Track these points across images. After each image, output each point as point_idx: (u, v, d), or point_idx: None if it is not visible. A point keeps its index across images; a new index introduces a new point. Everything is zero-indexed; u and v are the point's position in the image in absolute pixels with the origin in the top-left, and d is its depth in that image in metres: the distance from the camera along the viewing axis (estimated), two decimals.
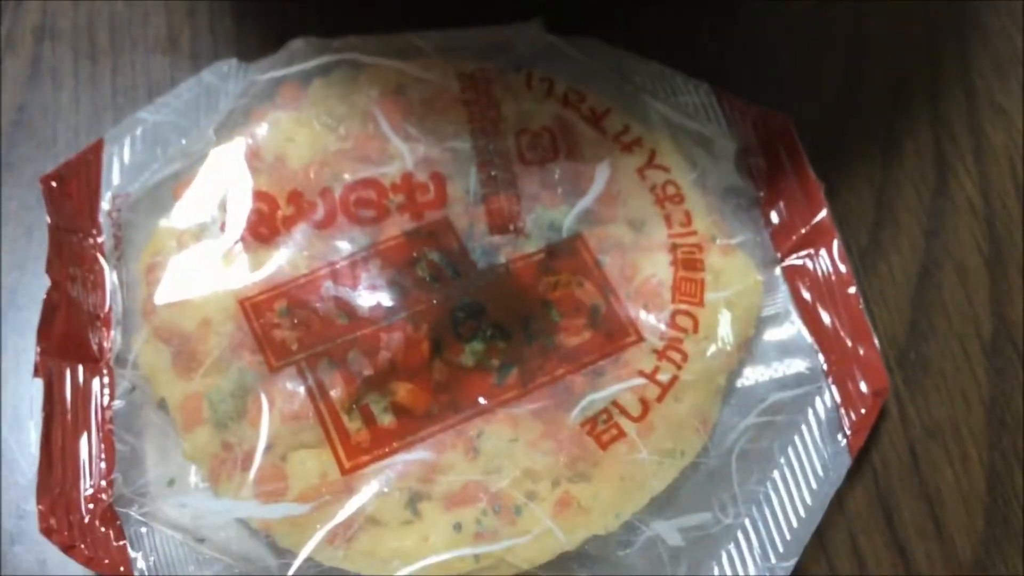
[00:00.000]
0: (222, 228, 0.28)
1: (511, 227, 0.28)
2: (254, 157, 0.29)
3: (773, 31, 0.34)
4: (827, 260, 0.29)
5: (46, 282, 0.27)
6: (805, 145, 0.31)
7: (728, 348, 0.27)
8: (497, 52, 0.32)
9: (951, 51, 0.34)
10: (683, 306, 0.27)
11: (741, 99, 0.32)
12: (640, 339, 0.27)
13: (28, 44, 0.33)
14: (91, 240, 0.28)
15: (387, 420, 0.26)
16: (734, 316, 0.27)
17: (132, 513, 0.25)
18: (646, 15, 0.34)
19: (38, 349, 0.26)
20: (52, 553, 0.25)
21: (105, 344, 0.27)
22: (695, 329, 0.27)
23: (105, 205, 0.28)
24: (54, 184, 0.28)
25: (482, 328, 0.27)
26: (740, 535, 0.25)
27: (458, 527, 0.24)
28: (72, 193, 0.28)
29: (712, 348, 0.27)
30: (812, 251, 0.29)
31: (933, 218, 0.31)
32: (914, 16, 0.35)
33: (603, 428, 0.25)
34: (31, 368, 0.26)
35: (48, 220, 0.28)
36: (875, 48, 0.34)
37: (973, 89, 0.34)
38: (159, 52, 0.33)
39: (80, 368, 0.26)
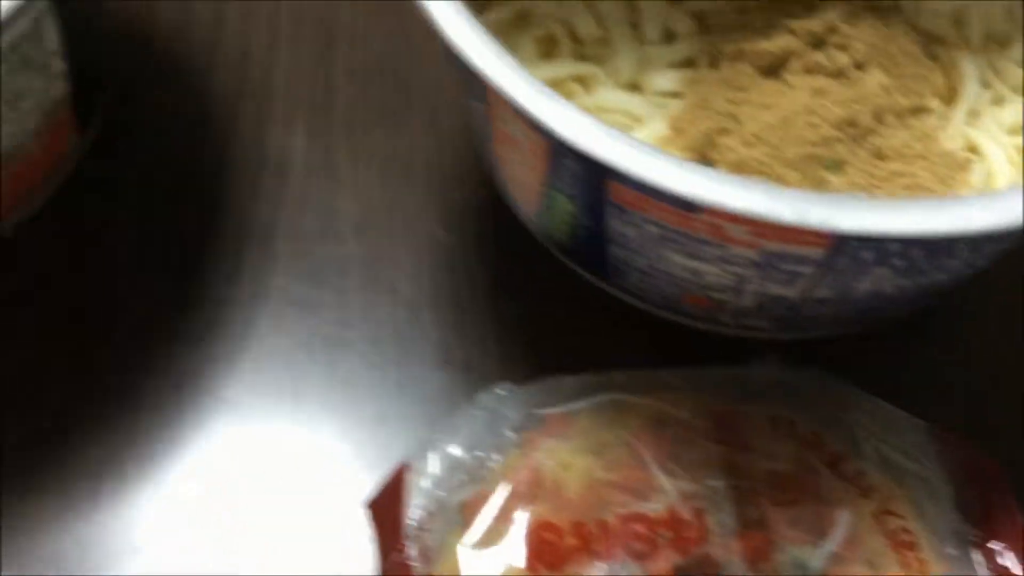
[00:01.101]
0: (511, 554, 0.32)
1: (763, 564, 0.32)
2: (536, 485, 0.33)
3: (987, 368, 0.38)
4: None
5: None
6: (1013, 486, 0.35)
7: None
8: (738, 388, 0.36)
9: None
10: None
11: (954, 438, 0.35)
12: None
13: (323, 352, 0.38)
14: (402, 555, 0.32)
15: None
16: None
17: None
18: (868, 347, 0.38)
19: None
20: None
21: None
22: None
23: (411, 523, 0.33)
24: (374, 508, 0.33)
25: None
26: None
27: None
28: (387, 515, 0.33)
29: None
30: None
31: None
32: None
33: None
34: None
35: (376, 541, 0.32)
36: None
37: None
38: (437, 367, 0.38)
39: None
